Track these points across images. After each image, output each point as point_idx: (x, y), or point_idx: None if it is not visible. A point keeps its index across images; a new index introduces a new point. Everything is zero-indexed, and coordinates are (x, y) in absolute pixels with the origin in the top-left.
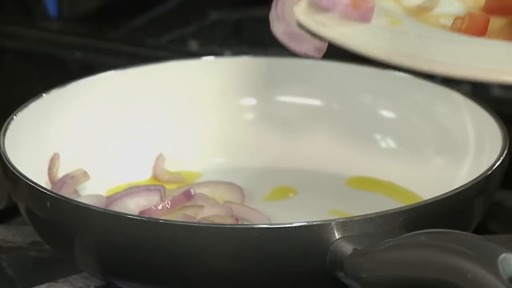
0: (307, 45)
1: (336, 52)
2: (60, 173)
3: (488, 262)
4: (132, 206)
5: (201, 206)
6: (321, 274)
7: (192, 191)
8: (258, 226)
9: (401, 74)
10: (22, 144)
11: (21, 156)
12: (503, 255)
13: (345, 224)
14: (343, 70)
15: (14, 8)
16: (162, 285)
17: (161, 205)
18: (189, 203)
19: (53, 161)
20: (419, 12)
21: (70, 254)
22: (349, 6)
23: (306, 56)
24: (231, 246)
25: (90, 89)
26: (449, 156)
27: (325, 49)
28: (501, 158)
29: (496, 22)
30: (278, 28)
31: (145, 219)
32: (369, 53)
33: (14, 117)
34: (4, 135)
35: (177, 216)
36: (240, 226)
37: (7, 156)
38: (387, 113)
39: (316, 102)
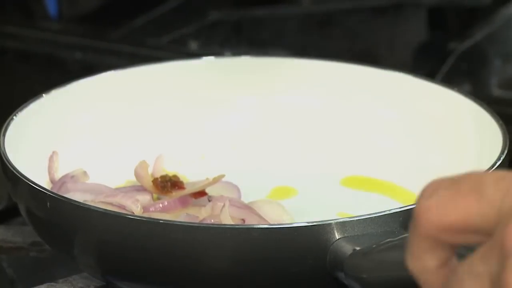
0: None
1: (336, 52)
2: (60, 174)
3: None
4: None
5: (203, 206)
6: (321, 274)
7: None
8: (258, 226)
9: (401, 74)
10: (22, 144)
11: (21, 156)
12: None
13: (345, 224)
14: (343, 70)
15: (14, 8)
16: (162, 285)
17: (160, 205)
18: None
19: (52, 159)
20: None
21: (70, 254)
22: None
23: None
24: (231, 246)
25: (90, 89)
26: (449, 156)
27: None
28: (501, 158)
29: None
30: None
31: (145, 219)
32: None
33: (14, 117)
34: (4, 135)
35: (178, 216)
36: (240, 226)
37: (7, 156)
38: (387, 113)
39: (316, 102)
